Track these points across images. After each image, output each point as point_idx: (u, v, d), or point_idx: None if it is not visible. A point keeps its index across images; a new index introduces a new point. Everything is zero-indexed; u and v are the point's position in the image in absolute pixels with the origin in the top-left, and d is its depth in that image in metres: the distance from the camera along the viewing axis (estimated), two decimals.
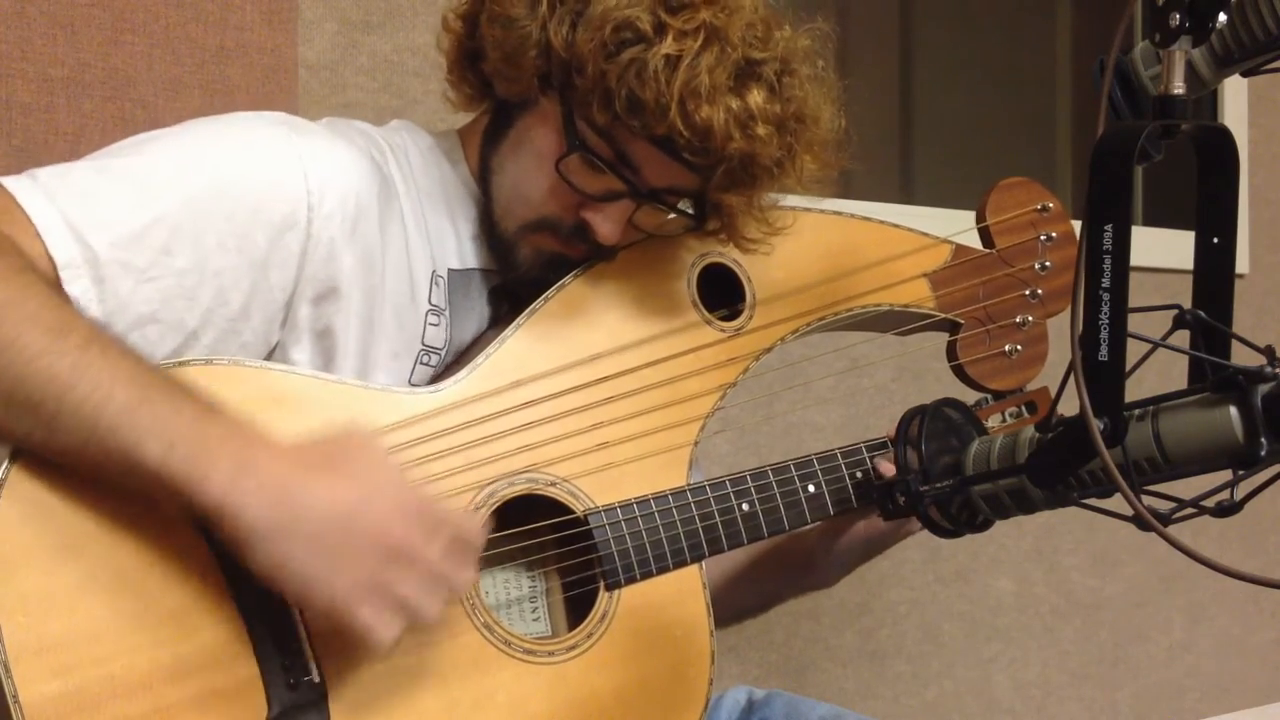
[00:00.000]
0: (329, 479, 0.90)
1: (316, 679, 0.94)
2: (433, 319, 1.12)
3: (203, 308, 0.99)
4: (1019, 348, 1.29)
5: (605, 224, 1.10)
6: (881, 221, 1.29)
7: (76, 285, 0.93)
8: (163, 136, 1.03)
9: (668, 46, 1.02)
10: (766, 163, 1.07)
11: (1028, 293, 1.30)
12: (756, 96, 1.05)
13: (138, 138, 1.03)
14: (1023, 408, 1.31)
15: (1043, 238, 1.30)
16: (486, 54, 1.12)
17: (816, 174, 1.14)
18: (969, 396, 1.30)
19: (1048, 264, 1.30)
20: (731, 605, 1.30)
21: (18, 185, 0.94)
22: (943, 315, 1.28)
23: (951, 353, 1.28)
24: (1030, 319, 1.29)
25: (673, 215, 1.14)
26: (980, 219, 1.30)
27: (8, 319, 0.86)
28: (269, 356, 1.05)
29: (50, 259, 0.92)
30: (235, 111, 1.08)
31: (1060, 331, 1.08)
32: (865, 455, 1.22)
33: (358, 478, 0.91)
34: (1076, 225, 0.98)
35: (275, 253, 1.00)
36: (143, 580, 0.90)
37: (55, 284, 0.92)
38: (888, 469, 1.19)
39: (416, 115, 1.27)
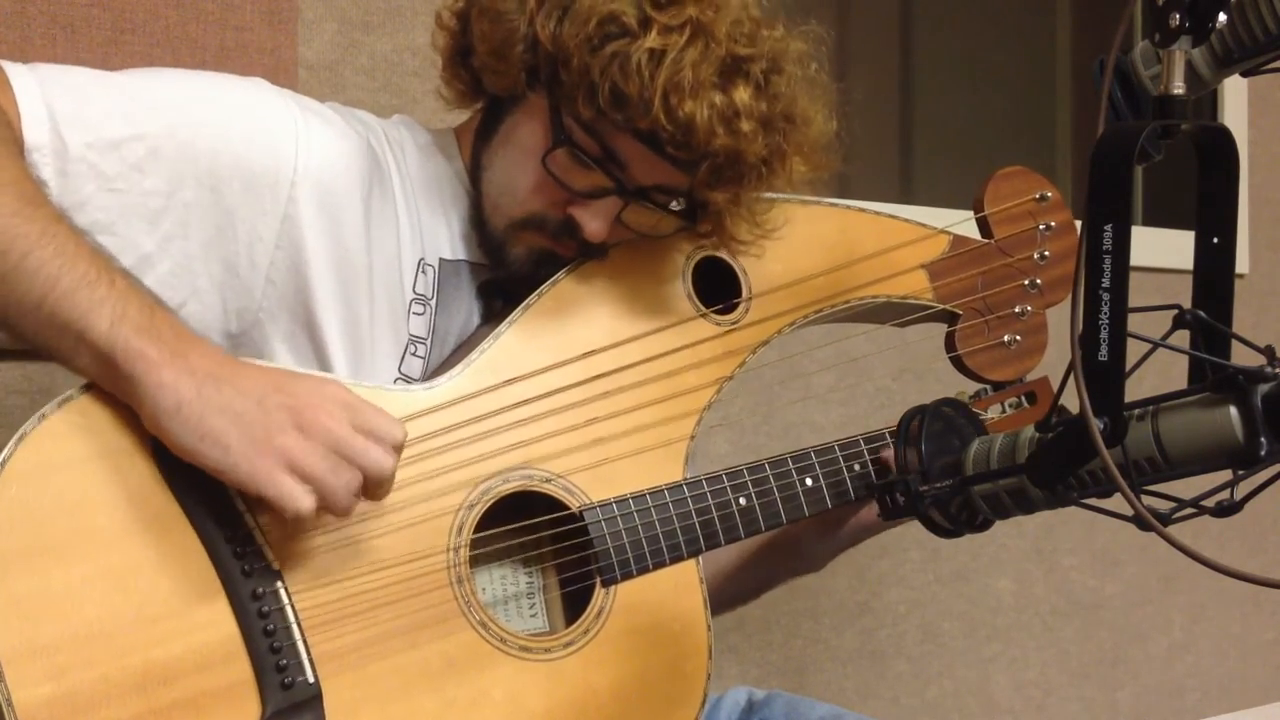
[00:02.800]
0: (254, 369, 0.94)
1: (311, 679, 0.94)
2: (417, 308, 1.12)
3: (161, 233, 0.99)
4: (1018, 338, 1.29)
5: (592, 221, 1.10)
6: (878, 213, 1.29)
7: (41, 171, 0.95)
8: (174, 70, 1.06)
9: (652, 41, 1.02)
10: (752, 160, 1.07)
11: (1026, 283, 1.29)
12: (742, 93, 1.05)
13: (151, 68, 1.06)
14: (1022, 398, 1.30)
15: (1041, 227, 1.30)
16: (475, 49, 1.12)
17: (807, 175, 1.15)
18: (968, 387, 1.30)
19: (1046, 254, 1.30)
20: (723, 595, 1.29)
21: (14, 69, 0.97)
22: (941, 306, 1.27)
23: (950, 344, 1.28)
24: (1029, 309, 1.29)
25: (662, 215, 1.14)
26: (978, 209, 1.30)
27: None
28: (252, 338, 1.05)
29: (22, 139, 0.94)
30: None
31: (1060, 331, 1.08)
32: (863, 449, 1.22)
33: (282, 371, 0.96)
34: (1076, 218, 0.98)
35: (247, 205, 1.01)
36: (136, 582, 0.90)
37: None
38: (889, 457, 1.19)
39: (416, 115, 1.26)
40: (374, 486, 0.94)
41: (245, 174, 1.00)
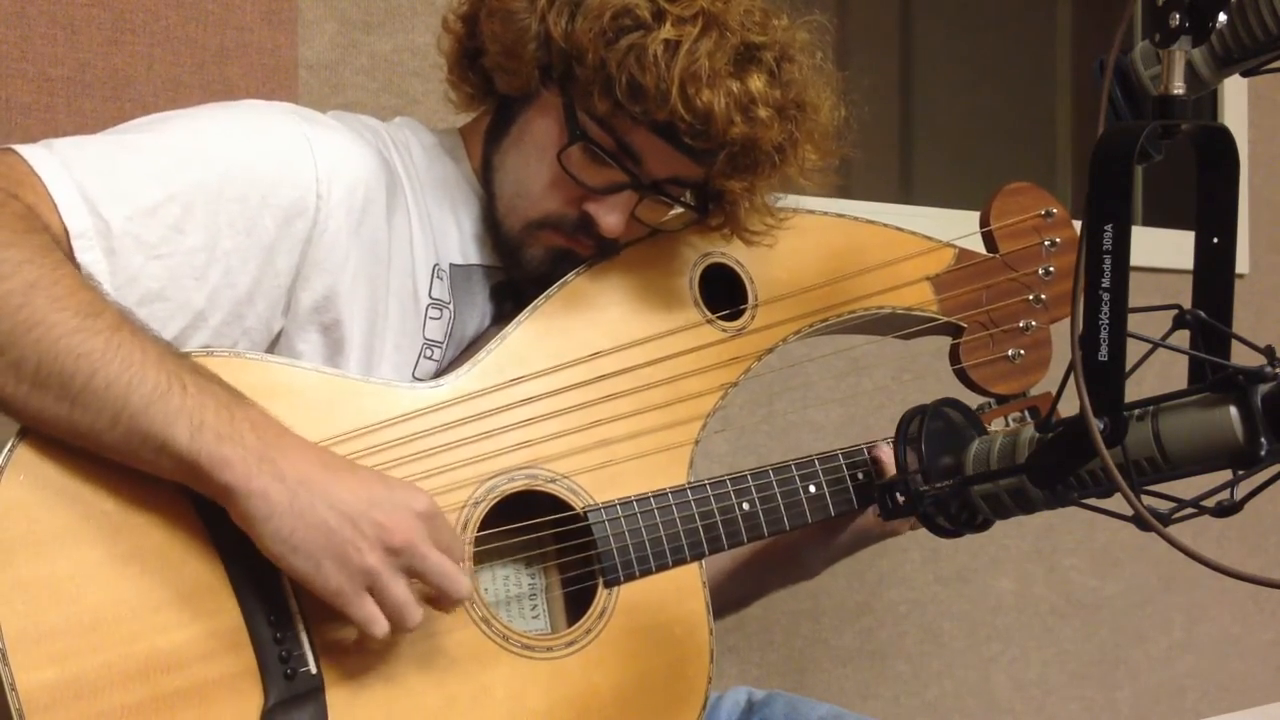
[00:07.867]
0: (344, 478, 0.93)
1: (314, 670, 0.95)
2: (434, 312, 1.12)
3: (210, 288, 0.99)
4: (1022, 352, 1.29)
5: (609, 215, 1.11)
6: (885, 224, 1.29)
7: (88, 255, 0.94)
8: (178, 117, 1.04)
9: (667, 32, 1.03)
10: (768, 148, 1.08)
11: (1031, 297, 1.30)
12: (757, 81, 1.06)
13: (152, 116, 1.04)
14: (1026, 413, 1.30)
15: (1047, 243, 1.30)
16: (486, 50, 1.12)
17: (818, 164, 1.15)
18: (972, 400, 1.30)
19: (1051, 269, 1.30)
20: (718, 600, 1.29)
21: (34, 154, 0.95)
22: (945, 319, 1.27)
23: (954, 357, 1.28)
24: (1034, 323, 1.29)
25: (676, 208, 1.14)
26: (984, 223, 1.30)
27: (39, 298, 0.87)
28: (273, 346, 1.05)
29: (64, 227, 0.93)
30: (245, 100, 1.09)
31: (1061, 332, 1.08)
32: (868, 456, 1.21)
33: (372, 481, 0.94)
34: (1076, 219, 0.98)
35: (283, 239, 1.01)
36: (141, 569, 0.91)
37: (68, 253, 0.93)
38: (882, 453, 1.19)
39: (416, 115, 1.27)
40: (447, 605, 0.98)
41: (274, 209, 1.00)
